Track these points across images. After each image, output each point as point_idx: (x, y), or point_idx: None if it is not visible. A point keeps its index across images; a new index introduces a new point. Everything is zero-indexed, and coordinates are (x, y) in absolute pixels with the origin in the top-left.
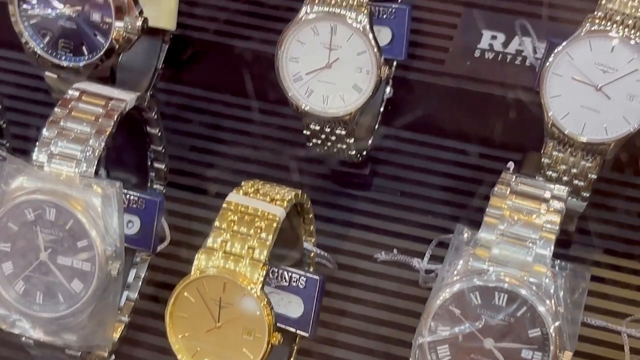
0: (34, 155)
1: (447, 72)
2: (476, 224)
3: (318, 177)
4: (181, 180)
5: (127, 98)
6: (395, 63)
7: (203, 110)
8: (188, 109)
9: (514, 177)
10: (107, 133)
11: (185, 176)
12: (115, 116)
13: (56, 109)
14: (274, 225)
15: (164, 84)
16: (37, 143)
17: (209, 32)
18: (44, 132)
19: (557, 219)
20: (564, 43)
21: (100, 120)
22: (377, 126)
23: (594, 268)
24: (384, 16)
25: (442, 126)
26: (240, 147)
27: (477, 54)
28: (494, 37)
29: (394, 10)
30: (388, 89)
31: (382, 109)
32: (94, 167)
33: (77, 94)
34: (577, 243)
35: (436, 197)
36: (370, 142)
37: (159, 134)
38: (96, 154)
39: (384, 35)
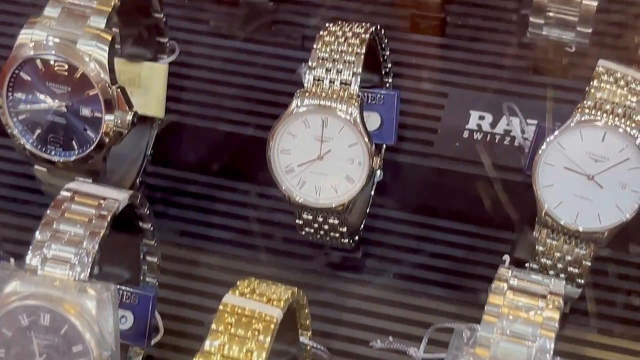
0: (27, 259)
1: (436, 154)
2: (471, 306)
3: (310, 260)
4: (172, 267)
5: (119, 198)
6: (384, 146)
7: (194, 194)
8: (178, 193)
9: (510, 271)
10: (101, 235)
11: (176, 262)
12: (109, 217)
13: (49, 211)
14: (272, 327)
15: (153, 168)
16: (31, 247)
17: (198, 117)
18: (37, 235)
19: (556, 316)
20: (555, 133)
21: (93, 221)
22: (368, 209)
23: (588, 348)
24: (373, 102)
25: (433, 206)
26: (231, 232)
27: (465, 134)
28: (481, 118)
29: (382, 96)
30: (378, 172)
31: (372, 193)
32: (89, 270)
33: (69, 194)
34: (571, 323)
35: (430, 278)
36: (362, 226)
37: (151, 228)
38: (90, 257)
39: (373, 120)
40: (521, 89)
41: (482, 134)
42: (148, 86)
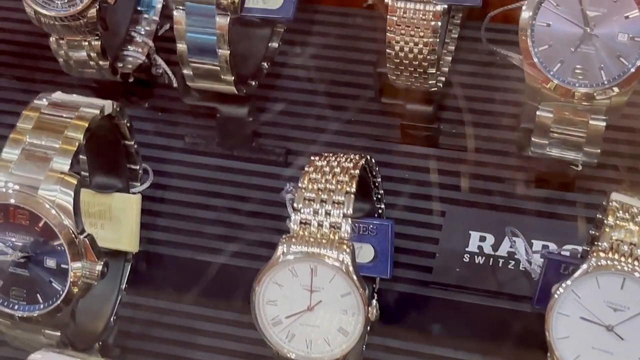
0: None
1: (435, 281)
2: None
3: None
4: None
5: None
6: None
7: (172, 326)
8: (156, 325)
9: None
10: None
11: None
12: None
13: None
14: None
15: (129, 298)
16: None
17: (175, 245)
18: None
19: None
20: (568, 282)
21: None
22: (364, 347)
23: None
24: (365, 233)
25: (434, 339)
26: None
27: (466, 258)
28: (482, 239)
29: (375, 227)
30: (374, 302)
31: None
32: None
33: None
34: None
35: None
36: None
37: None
38: None
39: (366, 252)
40: (524, 205)
41: (484, 258)
42: (120, 219)
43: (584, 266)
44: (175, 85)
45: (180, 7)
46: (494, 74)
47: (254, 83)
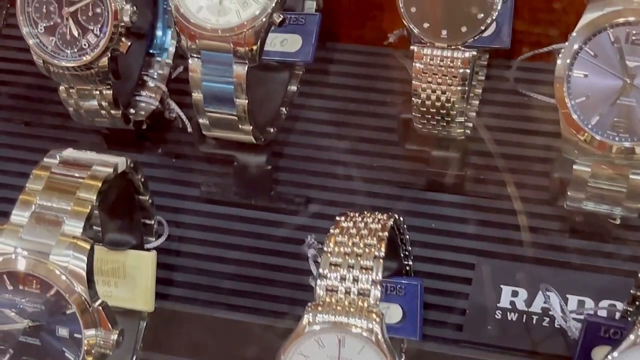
0: None
1: (466, 340)
2: None
3: None
4: None
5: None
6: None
7: None
8: None
9: None
10: None
11: None
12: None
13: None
14: None
15: (144, 355)
16: None
17: (192, 301)
18: None
19: None
20: (615, 354)
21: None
22: None
23: None
24: (393, 292)
25: None
26: None
27: (498, 314)
28: (515, 294)
29: (403, 287)
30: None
31: None
32: None
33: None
34: None
35: None
36: None
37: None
38: None
39: (394, 313)
40: (559, 257)
41: (517, 314)
42: (134, 277)
43: (631, 337)
44: (189, 129)
45: (196, 55)
46: (525, 116)
47: (272, 130)
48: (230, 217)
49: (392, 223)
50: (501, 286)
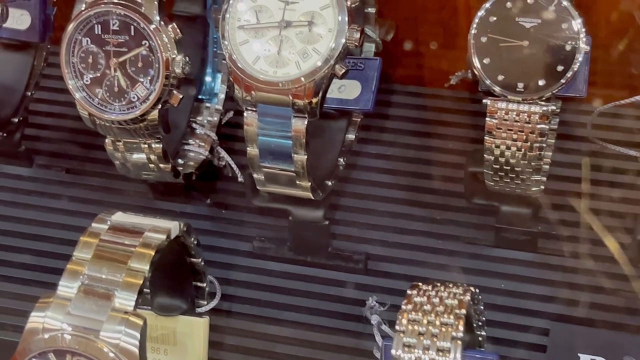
0: None
1: None
2: None
3: None
4: None
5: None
6: None
7: None
8: None
9: None
10: None
11: None
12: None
13: None
14: None
15: None
16: None
17: None
18: None
19: None
20: None
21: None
22: None
23: None
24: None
25: None
26: None
27: None
28: None
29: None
30: None
31: None
32: None
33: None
34: None
35: None
36: None
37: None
38: None
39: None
40: None
41: None
42: (186, 344)
43: None
44: (240, 179)
45: (252, 108)
46: (601, 166)
47: (330, 183)
48: (285, 274)
49: (469, 298)
50: (579, 355)
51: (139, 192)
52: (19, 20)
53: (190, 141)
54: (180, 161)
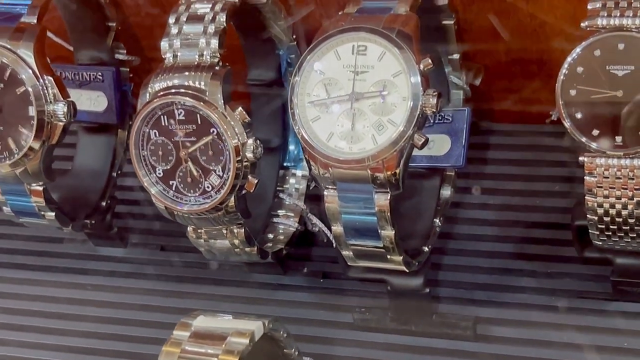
0: None
1: None
2: None
3: None
4: None
5: None
6: None
7: None
8: None
9: None
10: None
11: None
12: None
13: None
14: None
15: None
16: None
17: None
18: None
19: None
20: None
21: None
22: None
23: None
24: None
25: None
26: None
27: None
28: None
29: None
30: None
31: None
32: None
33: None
34: None
35: None
36: None
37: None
38: None
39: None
40: None
41: None
42: None
43: None
44: (335, 245)
45: (331, 187)
46: None
47: (427, 249)
48: (388, 346)
49: None
50: None
51: (234, 266)
52: (96, 102)
53: (279, 212)
54: (270, 236)
